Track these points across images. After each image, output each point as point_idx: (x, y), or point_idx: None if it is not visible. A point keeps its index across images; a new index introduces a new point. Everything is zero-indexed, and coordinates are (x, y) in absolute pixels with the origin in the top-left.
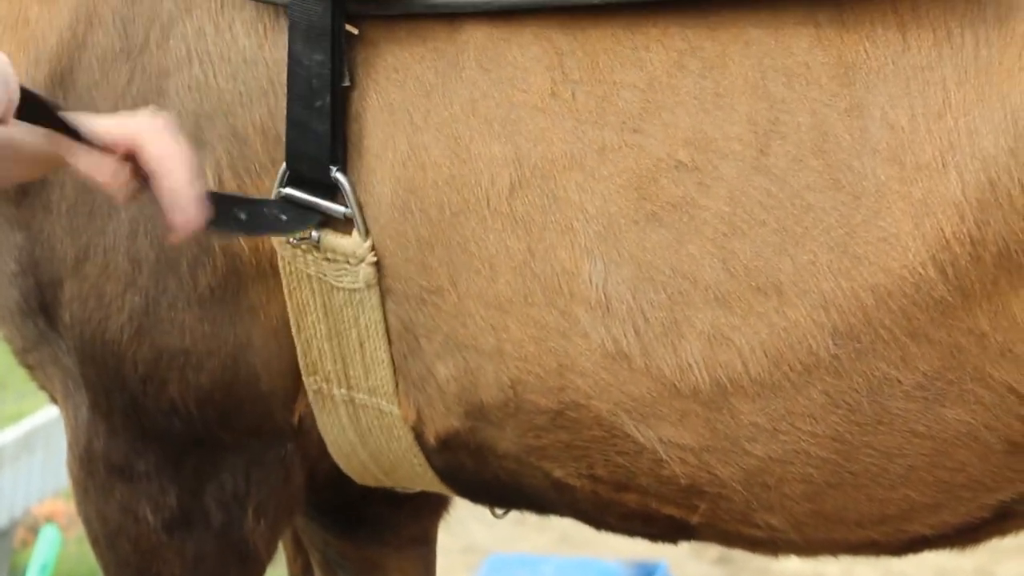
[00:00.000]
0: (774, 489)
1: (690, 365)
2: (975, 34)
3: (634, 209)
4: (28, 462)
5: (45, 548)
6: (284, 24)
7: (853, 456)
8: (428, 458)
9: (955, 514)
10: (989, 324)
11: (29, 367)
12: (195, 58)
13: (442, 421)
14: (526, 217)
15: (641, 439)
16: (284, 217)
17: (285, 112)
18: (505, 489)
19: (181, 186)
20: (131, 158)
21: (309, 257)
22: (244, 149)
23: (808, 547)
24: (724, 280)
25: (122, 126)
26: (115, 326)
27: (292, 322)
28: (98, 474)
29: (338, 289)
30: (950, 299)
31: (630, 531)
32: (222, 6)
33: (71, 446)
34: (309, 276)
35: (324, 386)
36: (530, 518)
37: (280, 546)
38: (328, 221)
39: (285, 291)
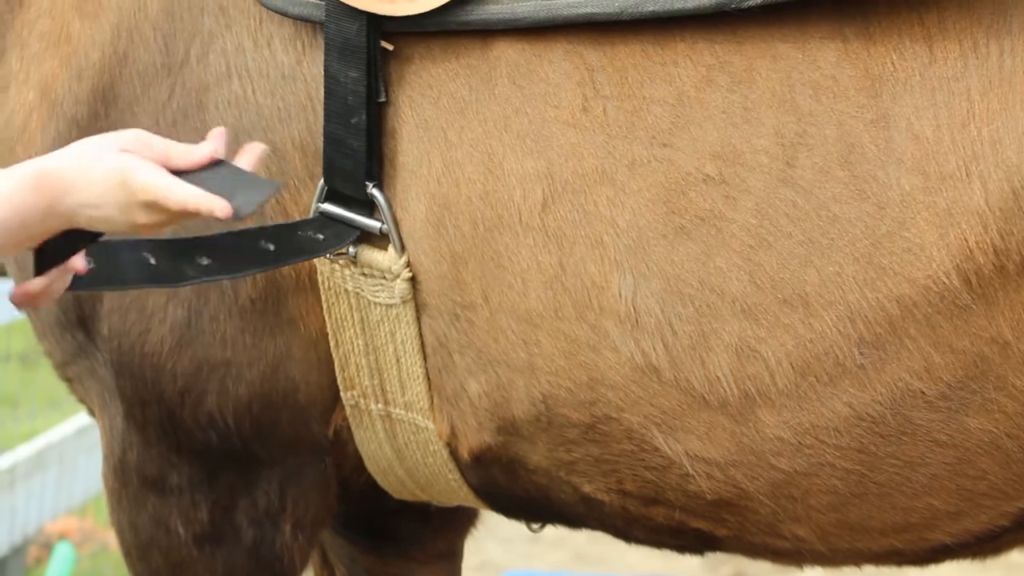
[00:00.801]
0: (800, 501)
1: (718, 378)
2: (1000, 44)
3: (663, 223)
4: (41, 480)
5: (59, 565)
6: (322, 41)
7: (877, 466)
8: (463, 473)
9: (977, 522)
10: (1012, 333)
11: (68, 380)
12: (234, 73)
13: (475, 436)
14: (558, 232)
15: (669, 453)
16: (321, 236)
17: (323, 128)
18: (536, 504)
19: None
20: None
21: (347, 272)
22: (283, 164)
23: (833, 556)
24: (751, 292)
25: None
26: (155, 338)
27: (331, 336)
28: (131, 485)
29: (375, 304)
30: (974, 308)
31: (658, 544)
32: (261, 22)
33: (106, 457)
34: (347, 291)
35: (361, 401)
36: (545, 536)
37: None
38: (365, 236)
39: (324, 306)
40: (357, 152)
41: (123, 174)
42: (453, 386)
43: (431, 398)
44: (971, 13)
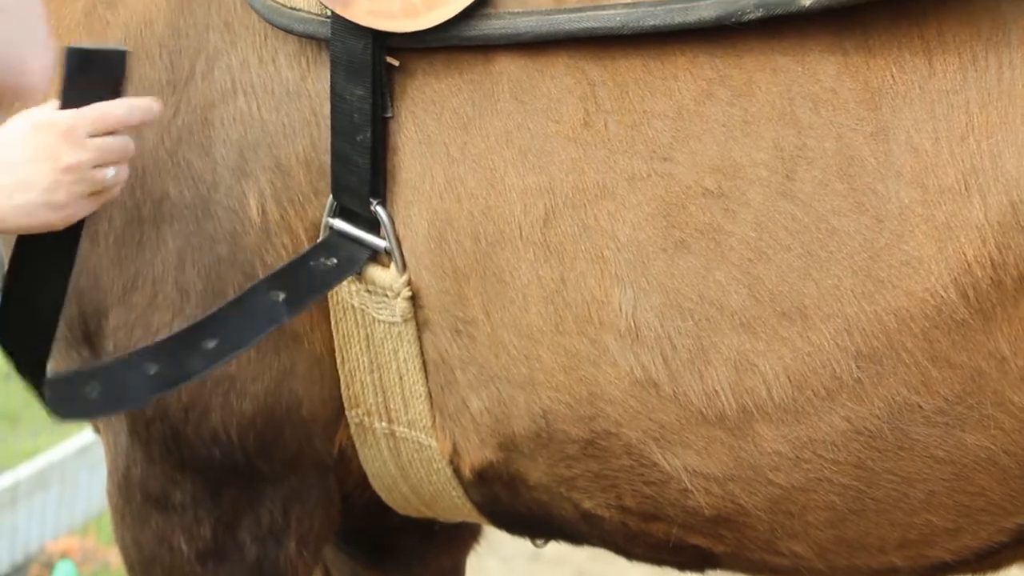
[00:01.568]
0: (798, 517)
1: (716, 392)
2: (999, 57)
3: (663, 237)
4: (43, 498)
5: None
6: (327, 57)
7: (875, 482)
8: (466, 490)
9: (975, 538)
10: (1010, 348)
11: None
12: (240, 90)
13: (477, 453)
14: (558, 246)
15: (668, 468)
16: (335, 260)
17: (328, 144)
18: (538, 520)
19: None
20: None
21: (352, 288)
22: (287, 180)
23: (831, 574)
24: (750, 306)
25: None
26: None
27: (337, 353)
28: (135, 501)
29: (379, 322)
30: (971, 323)
31: (658, 561)
32: (266, 39)
33: (110, 473)
34: (353, 307)
35: (366, 419)
36: (547, 553)
37: None
38: (370, 253)
39: (332, 322)
40: (362, 169)
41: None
42: (455, 403)
43: (433, 416)
44: (970, 26)
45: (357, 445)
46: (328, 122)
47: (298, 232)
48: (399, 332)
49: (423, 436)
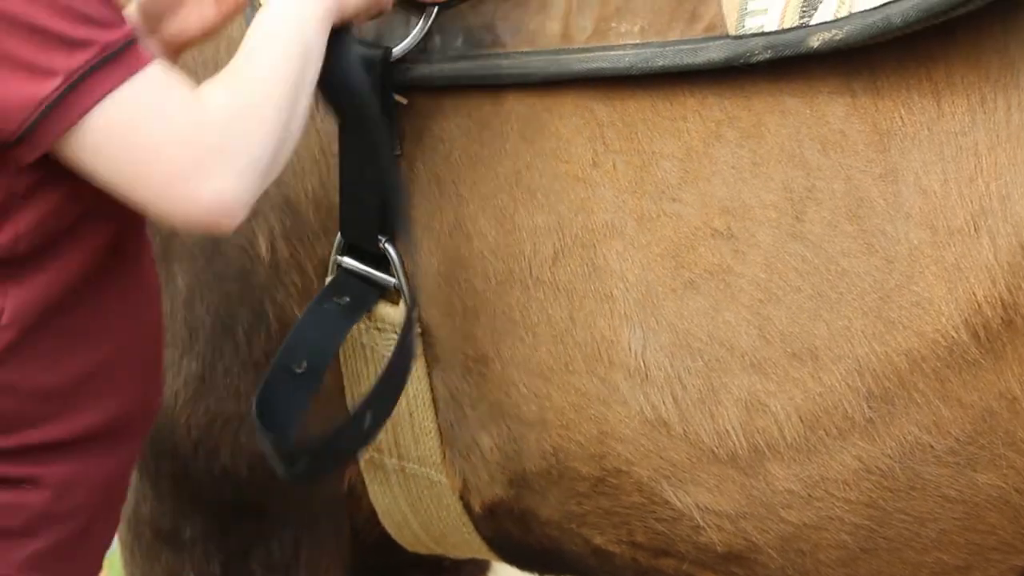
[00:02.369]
0: (809, 555)
1: (727, 431)
2: (1007, 99)
3: (672, 277)
4: None
5: None
6: None
7: (886, 521)
8: (476, 526)
9: None
10: (1020, 388)
11: None
12: None
13: (487, 490)
14: (568, 286)
15: (679, 505)
16: (347, 299)
17: (337, 182)
18: (548, 556)
19: None
20: None
21: (361, 326)
22: (297, 218)
23: None
24: (760, 346)
25: None
26: (170, 392)
27: (346, 390)
28: (144, 538)
29: (388, 359)
30: (982, 363)
31: None
32: None
33: None
34: (363, 345)
35: (376, 456)
36: None
37: None
38: (381, 290)
39: (341, 359)
40: (371, 207)
41: None
42: (465, 440)
43: (443, 452)
44: (979, 68)
45: (367, 481)
46: (337, 160)
47: (307, 270)
48: None
49: (433, 472)
